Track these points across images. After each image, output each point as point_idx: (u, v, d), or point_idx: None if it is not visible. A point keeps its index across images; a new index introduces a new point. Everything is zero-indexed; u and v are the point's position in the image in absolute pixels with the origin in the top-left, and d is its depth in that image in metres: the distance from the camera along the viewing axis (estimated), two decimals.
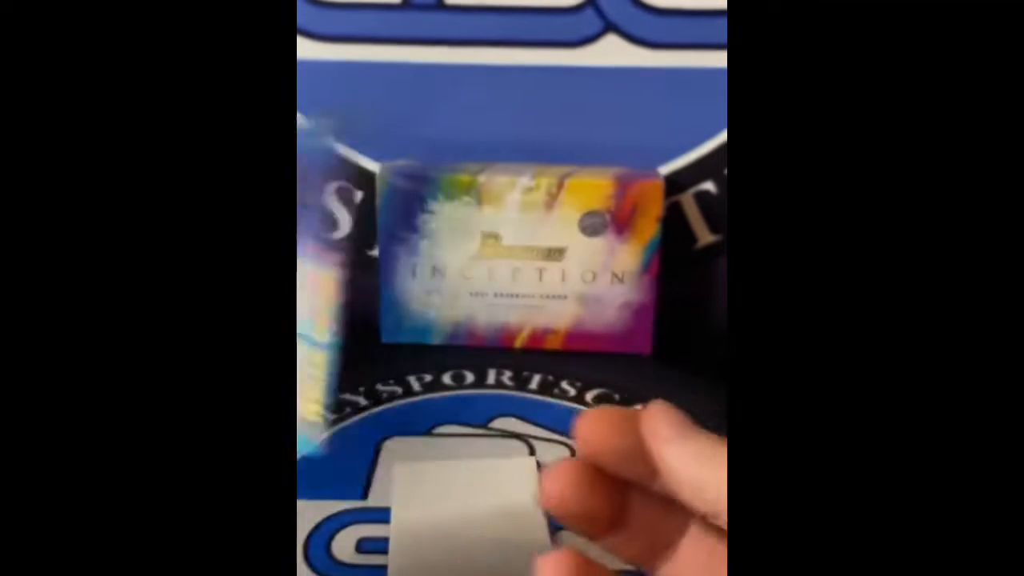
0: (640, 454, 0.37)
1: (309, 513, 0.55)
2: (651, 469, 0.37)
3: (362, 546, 0.53)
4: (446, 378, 0.72)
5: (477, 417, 0.66)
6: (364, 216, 0.78)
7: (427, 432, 0.64)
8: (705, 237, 0.79)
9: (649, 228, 0.71)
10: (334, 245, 0.78)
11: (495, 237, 0.72)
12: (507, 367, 0.73)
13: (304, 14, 0.73)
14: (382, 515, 0.55)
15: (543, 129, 0.76)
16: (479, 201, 0.71)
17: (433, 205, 0.72)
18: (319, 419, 0.52)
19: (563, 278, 0.73)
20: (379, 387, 0.70)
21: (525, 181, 0.71)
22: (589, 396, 0.69)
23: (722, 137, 0.76)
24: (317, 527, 0.54)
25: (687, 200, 0.78)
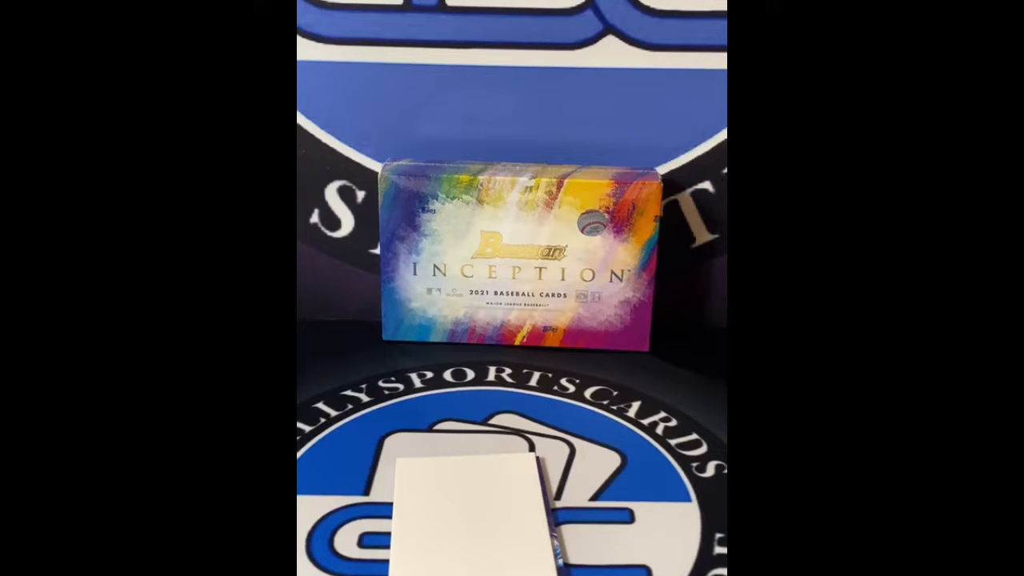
0: None
1: (312, 508, 0.56)
2: None
3: (364, 541, 0.53)
4: (447, 375, 0.72)
5: (477, 413, 0.67)
6: (366, 215, 0.79)
7: (428, 428, 0.65)
8: (702, 236, 0.80)
9: (647, 227, 0.72)
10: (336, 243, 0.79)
11: (495, 236, 0.73)
12: (507, 364, 0.74)
13: (306, 16, 0.73)
14: (384, 510, 0.56)
15: (543, 129, 0.77)
16: (479, 200, 0.72)
17: (434, 204, 0.72)
18: None
19: (562, 276, 0.74)
20: (380, 384, 0.71)
21: (525, 181, 0.71)
22: (588, 392, 0.70)
23: (719, 137, 0.76)
24: (320, 522, 0.55)
25: (685, 199, 0.78)
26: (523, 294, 0.75)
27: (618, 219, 0.72)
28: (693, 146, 0.77)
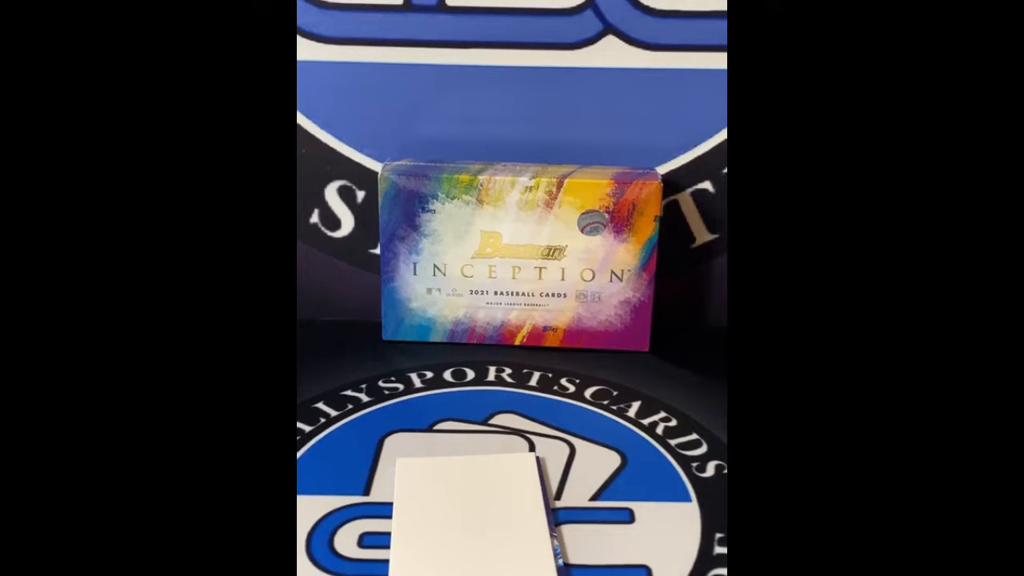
0: None
1: (312, 508, 0.56)
2: None
3: (364, 541, 0.53)
4: (447, 375, 0.72)
5: (477, 413, 0.67)
6: (366, 215, 0.79)
7: (428, 428, 0.65)
8: (702, 236, 0.80)
9: (647, 227, 0.72)
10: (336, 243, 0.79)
11: (495, 236, 0.73)
12: (507, 364, 0.74)
13: (306, 16, 0.73)
14: (384, 510, 0.56)
15: (543, 129, 0.77)
16: (479, 200, 0.72)
17: (434, 204, 0.72)
18: None
19: (562, 276, 0.74)
20: (380, 384, 0.71)
21: (525, 181, 0.71)
22: (588, 392, 0.70)
23: (719, 137, 0.76)
24: (320, 522, 0.55)
25: (685, 199, 0.78)
26: (523, 294, 0.75)
27: (618, 219, 0.72)
28: (693, 146, 0.77)
